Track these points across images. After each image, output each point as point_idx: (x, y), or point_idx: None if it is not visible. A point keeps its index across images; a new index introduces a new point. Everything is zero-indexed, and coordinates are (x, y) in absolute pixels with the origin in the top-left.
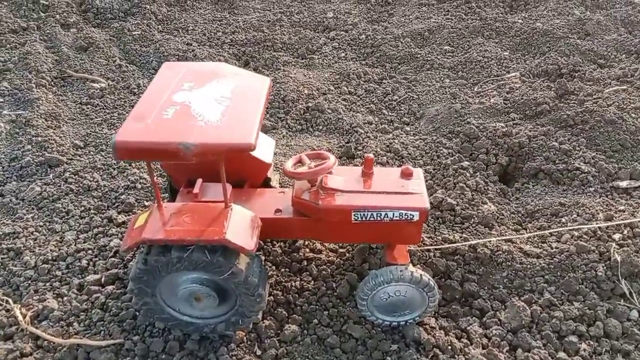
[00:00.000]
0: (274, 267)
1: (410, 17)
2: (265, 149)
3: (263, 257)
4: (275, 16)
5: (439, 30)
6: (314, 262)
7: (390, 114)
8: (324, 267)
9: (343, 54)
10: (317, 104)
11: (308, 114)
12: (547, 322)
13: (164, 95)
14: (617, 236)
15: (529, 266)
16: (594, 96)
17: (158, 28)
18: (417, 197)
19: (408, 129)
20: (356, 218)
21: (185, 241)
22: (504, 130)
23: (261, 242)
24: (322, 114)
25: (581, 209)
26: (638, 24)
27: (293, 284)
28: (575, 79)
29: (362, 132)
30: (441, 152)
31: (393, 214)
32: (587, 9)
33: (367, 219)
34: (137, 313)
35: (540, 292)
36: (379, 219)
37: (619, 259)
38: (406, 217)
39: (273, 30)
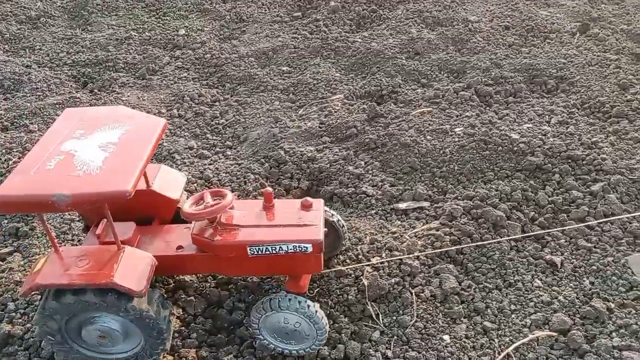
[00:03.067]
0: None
1: (261, 34)
2: (173, 185)
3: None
4: (126, 33)
5: (282, 50)
6: None
7: (214, 138)
8: None
9: (185, 74)
10: None
11: None
12: None
13: (53, 145)
14: (375, 259)
15: None
16: (400, 119)
17: (4, 47)
18: (311, 229)
19: (229, 153)
20: (252, 252)
21: (76, 285)
22: (309, 155)
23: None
24: None
25: (354, 232)
26: (467, 42)
27: None
28: (389, 102)
29: (179, 158)
30: (249, 177)
31: (287, 246)
32: (427, 27)
33: (263, 252)
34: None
35: None
36: (274, 252)
37: (366, 282)
38: (300, 249)
39: (119, 48)
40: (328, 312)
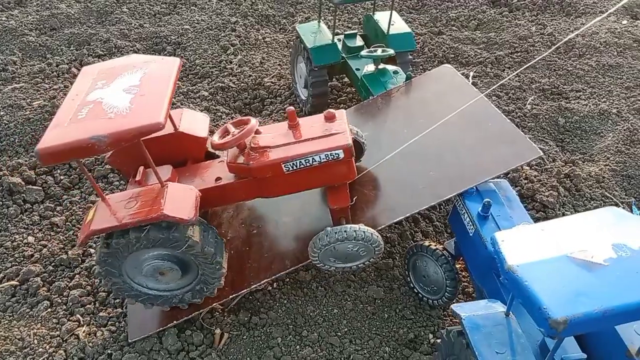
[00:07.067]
0: None
1: None
2: (199, 125)
3: None
4: None
5: None
6: None
7: None
8: None
9: None
10: None
11: None
12: None
13: (80, 98)
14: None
15: None
16: None
17: None
18: (339, 137)
19: None
20: (287, 169)
21: (129, 224)
22: None
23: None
24: None
25: None
26: (111, 14)
27: None
28: None
29: None
30: None
31: (320, 157)
32: (84, 2)
33: (298, 167)
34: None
35: None
36: (308, 164)
37: None
38: (332, 157)
39: None
40: None
